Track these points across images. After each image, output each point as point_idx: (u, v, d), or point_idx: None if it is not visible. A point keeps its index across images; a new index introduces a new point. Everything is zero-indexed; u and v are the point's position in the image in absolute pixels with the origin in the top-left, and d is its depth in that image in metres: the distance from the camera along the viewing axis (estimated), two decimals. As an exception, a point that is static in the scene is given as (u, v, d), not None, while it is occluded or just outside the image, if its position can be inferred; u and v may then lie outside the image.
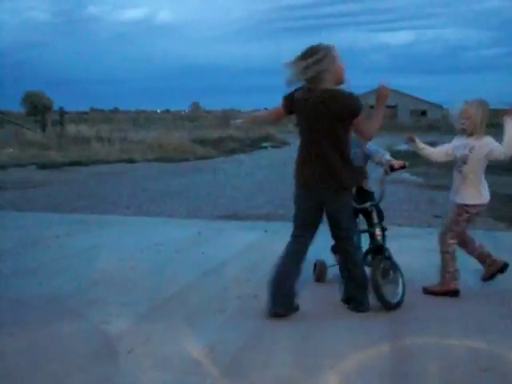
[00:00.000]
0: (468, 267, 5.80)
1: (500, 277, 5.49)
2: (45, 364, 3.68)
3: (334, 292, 4.87)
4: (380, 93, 4.51)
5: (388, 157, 5.04)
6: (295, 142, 4.74)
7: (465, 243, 5.30)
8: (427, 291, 5.14)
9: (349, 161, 4.45)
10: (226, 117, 56.33)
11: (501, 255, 6.31)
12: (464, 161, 4.94)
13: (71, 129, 29.22)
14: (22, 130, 28.96)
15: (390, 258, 4.86)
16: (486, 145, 4.92)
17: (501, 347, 3.91)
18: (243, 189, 12.63)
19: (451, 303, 4.82)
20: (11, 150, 21.67)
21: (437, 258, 6.17)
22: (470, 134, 4.94)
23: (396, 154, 19.98)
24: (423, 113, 72.26)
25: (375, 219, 4.93)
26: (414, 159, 21.02)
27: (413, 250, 6.61)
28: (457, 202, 5.03)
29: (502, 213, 9.25)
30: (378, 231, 4.88)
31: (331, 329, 4.24)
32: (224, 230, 7.96)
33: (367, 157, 5.18)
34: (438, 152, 5.16)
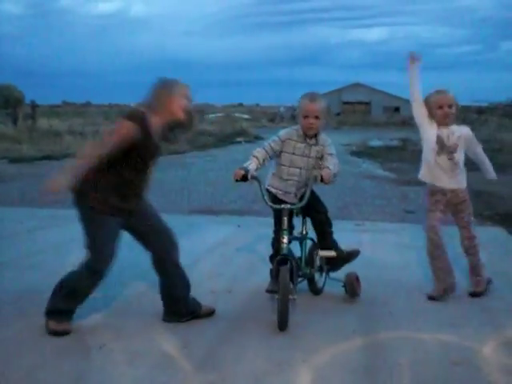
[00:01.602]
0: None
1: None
2: (16, 359, 3.64)
3: (304, 287, 4.88)
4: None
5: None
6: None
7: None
8: None
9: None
10: (199, 111, 56.21)
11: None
12: (454, 150, 4.85)
13: (43, 122, 28.87)
14: (-8, 123, 28.57)
15: (292, 271, 4.22)
16: (468, 133, 4.95)
17: (473, 341, 3.95)
18: (216, 184, 12.61)
19: (424, 298, 4.86)
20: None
21: (409, 253, 6.24)
22: (450, 123, 4.89)
23: (369, 150, 19.95)
24: (396, 109, 72.76)
25: (283, 225, 4.34)
26: (386, 155, 21.16)
27: (386, 245, 6.66)
28: (460, 186, 4.95)
29: (473, 208, 9.34)
30: (283, 239, 4.33)
31: (304, 323, 4.25)
32: (197, 224, 7.94)
33: None
34: (420, 106, 4.94)
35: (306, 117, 4.51)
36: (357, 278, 4.81)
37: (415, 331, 4.14)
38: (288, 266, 4.16)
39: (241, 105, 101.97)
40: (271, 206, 4.47)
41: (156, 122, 3.98)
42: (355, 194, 10.61)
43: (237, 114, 53.34)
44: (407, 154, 19.63)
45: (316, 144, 4.60)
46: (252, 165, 4.45)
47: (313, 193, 4.60)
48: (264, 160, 4.56)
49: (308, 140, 4.59)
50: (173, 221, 8.11)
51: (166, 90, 4.02)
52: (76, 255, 6.11)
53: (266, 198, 4.44)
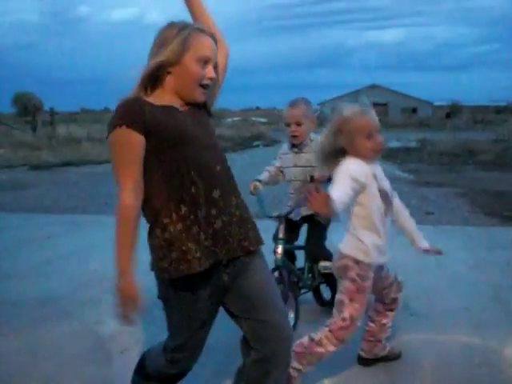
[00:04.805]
0: (459, 259, 5.82)
1: (494, 272, 5.52)
2: (38, 365, 3.67)
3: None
4: None
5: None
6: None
7: None
8: None
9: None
10: (216, 116, 56.49)
11: (493, 251, 6.37)
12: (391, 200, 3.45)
13: (62, 129, 29.08)
14: (12, 130, 28.88)
15: (283, 281, 4.00)
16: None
17: (495, 342, 3.91)
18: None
19: (445, 299, 4.82)
20: (2, 150, 21.59)
21: (429, 255, 6.19)
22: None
23: (388, 151, 19.79)
24: (414, 110, 72.43)
25: (279, 234, 4.13)
26: (404, 156, 21.03)
27: (405, 247, 6.60)
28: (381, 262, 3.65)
29: (493, 209, 9.28)
30: (277, 249, 4.09)
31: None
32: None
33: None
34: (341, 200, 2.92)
35: (287, 125, 4.22)
36: None
37: (437, 333, 4.11)
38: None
39: (258, 108, 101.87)
40: (266, 216, 4.21)
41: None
42: (374, 196, 10.54)
43: (254, 118, 53.35)
44: (425, 155, 19.52)
45: (302, 151, 4.26)
46: (264, 175, 4.40)
47: None
48: (276, 175, 4.45)
49: (293, 148, 4.32)
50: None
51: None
52: (95, 261, 6.17)
53: (263, 208, 4.20)
